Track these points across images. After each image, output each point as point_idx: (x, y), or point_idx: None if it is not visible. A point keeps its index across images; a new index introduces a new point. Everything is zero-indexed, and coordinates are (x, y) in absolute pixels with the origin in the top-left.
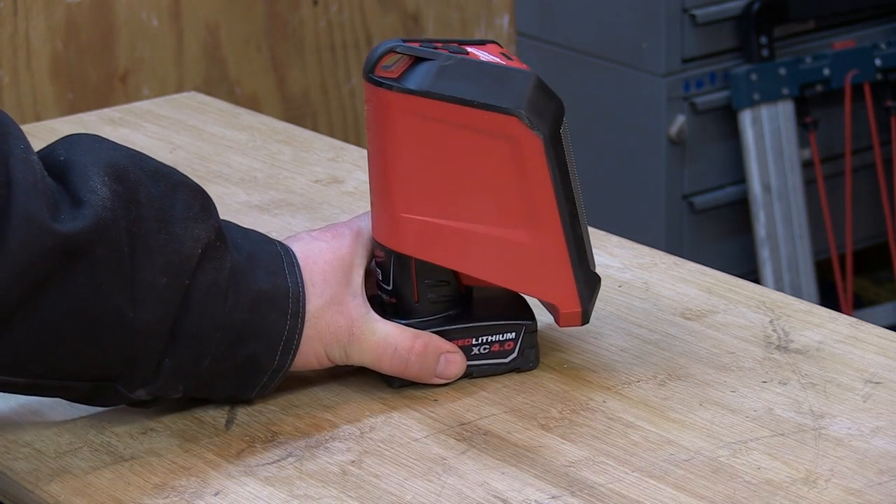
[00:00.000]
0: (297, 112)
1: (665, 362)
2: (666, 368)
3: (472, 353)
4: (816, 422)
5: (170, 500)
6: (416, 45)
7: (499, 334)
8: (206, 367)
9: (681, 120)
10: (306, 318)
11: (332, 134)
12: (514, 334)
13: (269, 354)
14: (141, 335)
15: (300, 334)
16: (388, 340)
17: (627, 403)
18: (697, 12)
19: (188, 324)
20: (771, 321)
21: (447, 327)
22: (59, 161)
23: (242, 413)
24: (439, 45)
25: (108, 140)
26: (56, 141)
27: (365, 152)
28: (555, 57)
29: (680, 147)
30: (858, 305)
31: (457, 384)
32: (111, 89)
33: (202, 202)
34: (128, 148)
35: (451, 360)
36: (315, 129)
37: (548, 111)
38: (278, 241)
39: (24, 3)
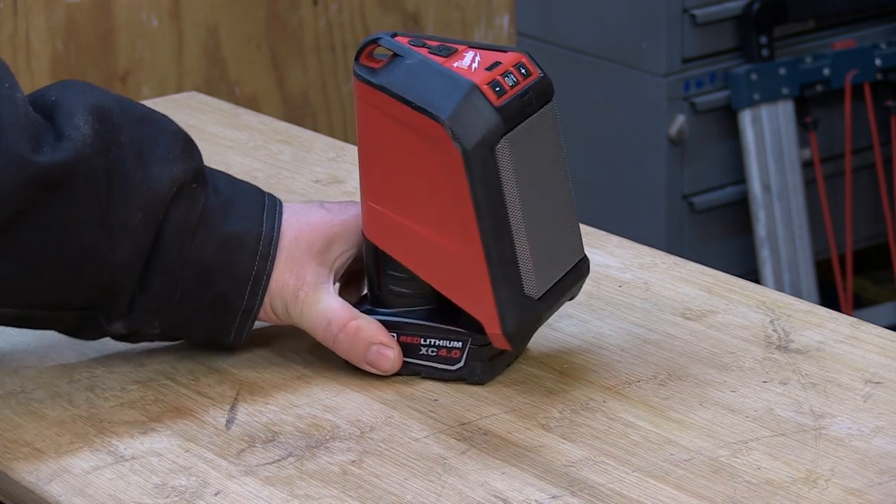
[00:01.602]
0: (297, 112)
1: (665, 362)
2: (666, 368)
3: (420, 352)
4: (817, 422)
5: (170, 500)
6: (406, 39)
7: (447, 340)
8: (176, 302)
9: (681, 120)
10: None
11: (332, 134)
12: (461, 344)
13: (238, 294)
14: (116, 269)
15: (269, 276)
16: (326, 313)
17: (627, 403)
18: (697, 12)
19: (158, 258)
20: (771, 321)
21: (398, 320)
22: (51, 101)
23: (242, 413)
24: (434, 43)
25: (100, 87)
26: (53, 83)
27: None
28: (555, 57)
29: (680, 147)
30: (858, 305)
31: (457, 384)
32: (111, 89)
33: (184, 146)
34: (119, 95)
35: (383, 352)
36: (315, 129)
37: (478, 125)
38: (269, 194)
39: (24, 3)
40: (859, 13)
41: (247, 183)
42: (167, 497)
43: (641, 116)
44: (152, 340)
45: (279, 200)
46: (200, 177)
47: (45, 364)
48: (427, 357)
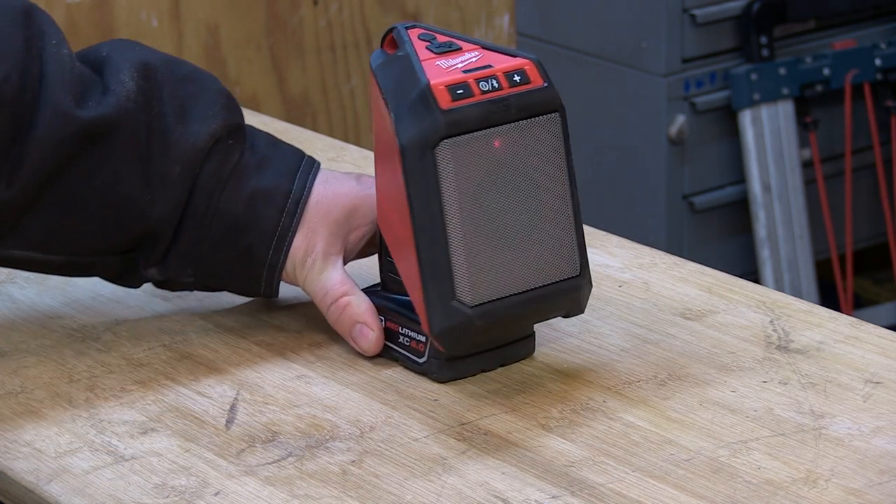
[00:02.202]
0: (297, 112)
1: (665, 362)
2: (666, 368)
3: (398, 340)
4: (816, 422)
5: (170, 500)
6: (417, 32)
7: (417, 333)
8: (206, 252)
9: (681, 120)
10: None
11: (332, 134)
12: (424, 339)
13: (264, 248)
14: (154, 219)
15: (293, 234)
16: (325, 284)
17: (627, 403)
18: (697, 12)
19: (190, 208)
20: (771, 321)
21: (386, 304)
22: (101, 56)
23: (242, 413)
24: (444, 38)
25: (149, 46)
26: (105, 41)
27: (365, 152)
28: (555, 57)
29: (680, 147)
30: (858, 305)
31: (457, 384)
32: None
33: (224, 103)
34: (167, 54)
35: (364, 332)
36: (315, 129)
37: (418, 125)
38: (309, 157)
39: None
40: (859, 13)
41: (289, 145)
42: (167, 497)
43: (641, 116)
44: (191, 289)
45: (318, 163)
46: (238, 134)
47: (45, 364)
48: (403, 346)
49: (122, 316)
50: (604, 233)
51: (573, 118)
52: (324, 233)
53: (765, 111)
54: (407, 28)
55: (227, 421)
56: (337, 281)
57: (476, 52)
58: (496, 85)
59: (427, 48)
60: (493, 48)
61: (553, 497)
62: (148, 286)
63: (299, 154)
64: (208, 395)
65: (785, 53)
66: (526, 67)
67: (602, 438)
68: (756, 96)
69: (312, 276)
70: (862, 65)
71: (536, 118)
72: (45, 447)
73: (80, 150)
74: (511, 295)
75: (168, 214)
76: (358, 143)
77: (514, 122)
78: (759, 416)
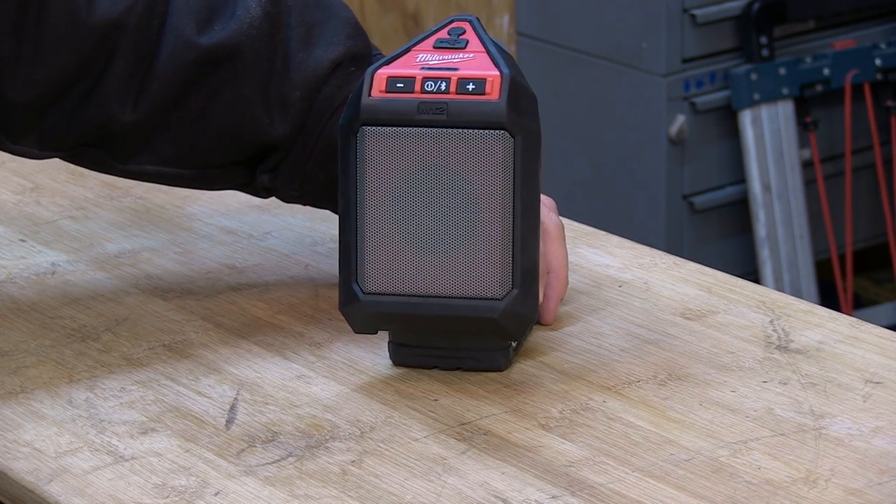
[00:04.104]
0: None
1: (665, 362)
2: (666, 368)
3: None
4: (816, 422)
5: (169, 500)
6: (457, 25)
7: None
8: (310, 171)
9: (681, 120)
10: None
11: None
12: None
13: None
14: (274, 138)
15: None
16: None
17: (627, 403)
18: (697, 12)
19: (305, 129)
20: (771, 321)
21: None
22: None
23: (242, 413)
24: (477, 40)
25: None
26: None
27: None
28: (555, 57)
29: (680, 147)
30: (858, 305)
31: (457, 384)
32: None
33: (350, 32)
34: None
35: None
36: None
37: (351, 109)
38: None
39: None
40: (859, 13)
41: None
42: (167, 497)
43: (641, 116)
44: (302, 203)
45: None
46: (362, 62)
47: (45, 364)
48: None
49: (122, 316)
50: (604, 233)
51: (573, 118)
52: None
53: (765, 111)
54: (454, 21)
55: (227, 421)
56: None
57: (471, 55)
58: (443, 88)
59: (437, 41)
60: (495, 55)
61: (553, 497)
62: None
63: None
64: (208, 395)
65: (785, 53)
66: (488, 79)
67: (602, 438)
68: (756, 96)
69: None
70: (862, 65)
71: (479, 131)
72: (45, 447)
73: (202, 74)
74: (414, 295)
75: (286, 135)
76: None
77: (450, 128)
78: (759, 416)
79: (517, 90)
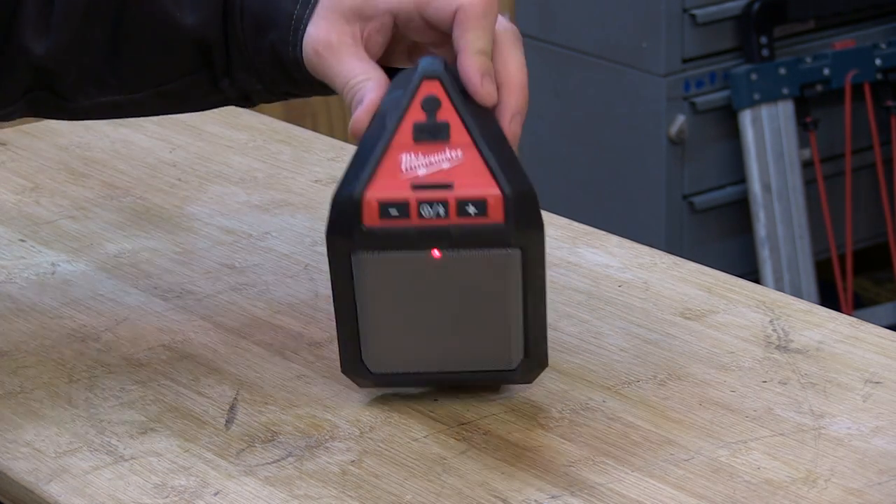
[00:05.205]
0: (297, 112)
1: (665, 362)
2: (666, 368)
3: None
4: (816, 422)
5: (169, 500)
6: (432, 87)
7: None
8: (250, 57)
9: (681, 120)
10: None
11: (332, 134)
12: None
13: (284, 44)
14: (191, 29)
15: (306, 24)
16: (346, 72)
17: (627, 403)
18: (697, 12)
19: (229, 17)
20: (771, 321)
21: None
22: None
23: (242, 413)
24: (442, 115)
25: None
26: None
27: None
28: (555, 57)
29: (680, 147)
30: (858, 305)
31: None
32: None
33: None
34: None
35: (359, 115)
36: (315, 128)
37: (343, 226)
38: None
39: None
40: (859, 13)
41: None
42: (167, 497)
43: (641, 116)
44: (280, 98)
45: None
46: None
47: (45, 364)
48: None
49: (122, 316)
50: (604, 233)
51: (573, 118)
52: (338, 21)
53: (765, 111)
54: (424, 77)
55: (226, 421)
56: (358, 68)
57: (458, 153)
58: (441, 213)
59: (415, 126)
60: (482, 147)
61: (553, 497)
62: (149, 288)
63: None
64: (208, 395)
65: (785, 53)
66: (489, 200)
67: (602, 438)
68: (756, 96)
69: (332, 65)
70: (862, 65)
71: (485, 251)
72: (45, 447)
73: None
74: (424, 372)
75: (205, 23)
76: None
77: (454, 249)
78: (759, 415)
79: (520, 203)
